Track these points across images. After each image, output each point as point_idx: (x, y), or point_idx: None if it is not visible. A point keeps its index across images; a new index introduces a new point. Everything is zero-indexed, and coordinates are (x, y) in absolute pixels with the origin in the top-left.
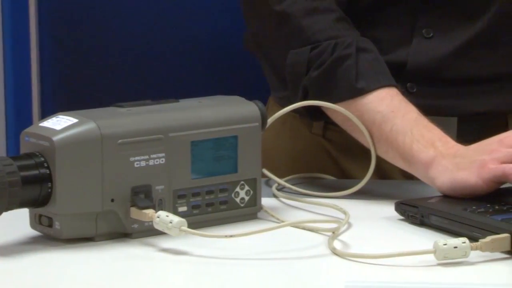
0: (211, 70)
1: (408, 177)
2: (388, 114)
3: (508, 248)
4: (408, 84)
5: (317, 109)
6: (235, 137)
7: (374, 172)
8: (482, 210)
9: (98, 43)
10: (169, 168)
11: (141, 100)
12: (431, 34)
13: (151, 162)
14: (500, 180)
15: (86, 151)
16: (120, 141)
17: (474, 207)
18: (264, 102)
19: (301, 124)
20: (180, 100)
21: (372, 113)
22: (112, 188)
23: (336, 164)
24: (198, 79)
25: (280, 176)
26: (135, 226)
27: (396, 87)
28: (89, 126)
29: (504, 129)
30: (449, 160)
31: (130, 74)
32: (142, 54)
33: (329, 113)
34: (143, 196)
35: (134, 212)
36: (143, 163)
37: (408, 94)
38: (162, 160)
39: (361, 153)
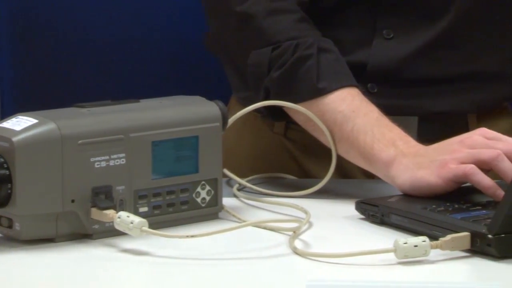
0: (172, 70)
1: (369, 176)
2: (349, 114)
3: (468, 247)
4: (369, 85)
5: (279, 109)
6: (196, 137)
7: (335, 171)
8: (442, 208)
9: (57, 43)
10: (129, 169)
11: (102, 100)
12: (392, 35)
13: (111, 163)
14: (460, 180)
15: (46, 151)
16: (80, 141)
17: (434, 206)
18: (226, 102)
19: (262, 123)
20: (141, 100)
21: (333, 113)
22: (72, 189)
23: (298, 163)
24: (159, 79)
25: (242, 175)
26: (96, 226)
27: (357, 87)
28: (49, 126)
29: (465, 128)
30: (409, 159)
31: (90, 74)
32: (103, 54)
33: (290, 113)
34: (103, 196)
35: (95, 213)
36: (103, 164)
37: (369, 94)
38: (122, 161)
39: (322, 152)
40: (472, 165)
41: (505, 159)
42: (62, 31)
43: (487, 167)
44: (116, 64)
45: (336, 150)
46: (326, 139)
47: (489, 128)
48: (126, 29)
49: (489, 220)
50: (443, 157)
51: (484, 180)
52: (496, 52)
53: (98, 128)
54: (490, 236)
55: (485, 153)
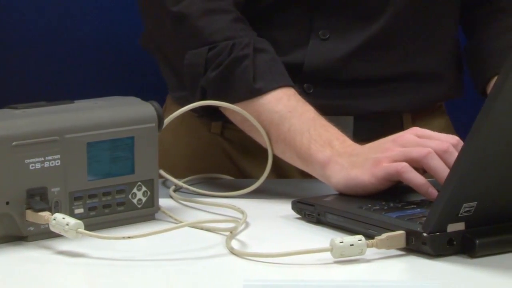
0: (107, 70)
1: (306, 175)
2: (285, 114)
3: (403, 245)
4: (305, 85)
5: (216, 109)
6: (132, 138)
7: (271, 171)
8: (378, 207)
9: None
10: (65, 170)
11: (36, 101)
12: (328, 36)
13: (46, 164)
14: (393, 178)
15: None
16: (14, 143)
17: (369, 205)
18: (162, 102)
19: (199, 123)
20: (75, 101)
21: (269, 113)
22: (6, 191)
23: (234, 163)
24: (94, 80)
25: (178, 176)
26: (31, 229)
27: (293, 87)
28: None
29: (400, 127)
30: (344, 159)
31: (24, 75)
32: (36, 55)
33: (227, 113)
34: (38, 198)
35: (30, 215)
36: (38, 165)
37: (305, 94)
38: (57, 162)
39: (259, 152)
40: (405, 163)
41: (436, 157)
42: None
43: (418, 165)
44: (50, 64)
45: (273, 150)
46: (262, 139)
47: (424, 127)
48: (60, 29)
49: (424, 219)
50: (376, 155)
51: (416, 178)
52: (432, 53)
53: (32, 130)
54: (425, 234)
55: (416, 151)
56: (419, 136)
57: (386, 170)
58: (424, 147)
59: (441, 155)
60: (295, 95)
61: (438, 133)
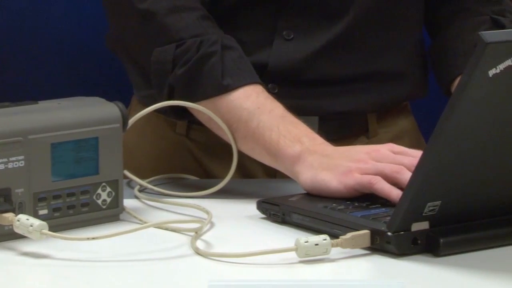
0: (70, 70)
1: (271, 175)
2: (254, 111)
3: (368, 244)
4: (270, 85)
5: (182, 108)
6: (96, 139)
7: (236, 171)
8: (342, 207)
9: None
10: (29, 171)
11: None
12: (292, 36)
13: (10, 165)
14: (363, 189)
15: None
16: None
17: (334, 205)
18: (127, 102)
19: (164, 123)
20: (39, 102)
21: (238, 110)
22: None
23: (199, 164)
24: (57, 80)
25: (143, 176)
26: None
27: (262, 84)
28: None
29: (364, 128)
30: (315, 158)
31: None
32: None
33: (194, 112)
34: (2, 199)
35: None
36: (2, 166)
37: (270, 94)
38: (21, 163)
39: (224, 152)
40: (377, 176)
41: (407, 173)
42: None
43: (389, 180)
44: (13, 65)
45: (240, 147)
46: (228, 137)
47: (389, 127)
48: (23, 29)
49: (388, 218)
50: (348, 164)
51: (388, 188)
52: (396, 52)
53: None
54: (389, 233)
55: (388, 167)
56: (394, 152)
57: (357, 181)
58: (397, 164)
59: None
60: (263, 92)
61: (412, 150)
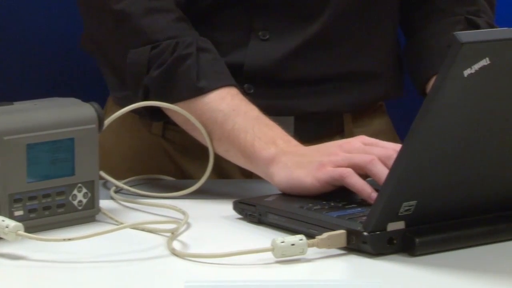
0: (46, 71)
1: (247, 176)
2: (229, 113)
3: (344, 244)
4: (246, 85)
5: (157, 109)
6: (72, 140)
7: (213, 172)
8: (318, 207)
9: None
10: (4, 172)
11: None
12: (267, 36)
13: None
14: (335, 182)
15: None
16: None
17: (310, 205)
18: (103, 103)
19: (140, 124)
20: (15, 103)
21: (213, 112)
22: None
23: (175, 164)
24: (33, 81)
25: (119, 177)
26: None
27: (236, 86)
28: None
29: (340, 128)
30: (289, 158)
31: None
32: None
33: (169, 114)
34: None
35: None
36: None
37: (246, 95)
38: None
39: (200, 153)
40: (349, 169)
41: (379, 163)
42: None
43: (361, 171)
44: None
45: (216, 149)
46: (204, 138)
47: (364, 127)
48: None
49: (364, 218)
50: (320, 158)
51: (358, 182)
52: (371, 52)
53: None
54: (365, 233)
55: (359, 158)
56: (365, 144)
57: (329, 174)
58: (368, 154)
59: (385, 161)
60: (238, 94)
61: (383, 141)
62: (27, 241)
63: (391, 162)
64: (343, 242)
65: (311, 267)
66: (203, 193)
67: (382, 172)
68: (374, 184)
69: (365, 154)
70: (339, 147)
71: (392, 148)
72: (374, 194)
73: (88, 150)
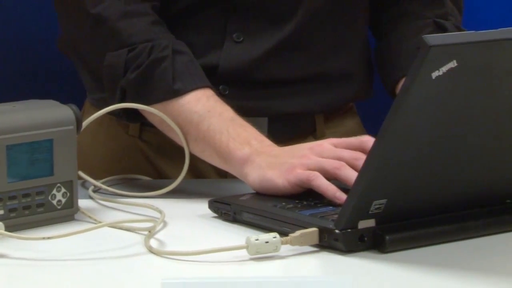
0: (24, 74)
1: (222, 175)
2: (204, 114)
3: (316, 242)
4: (221, 87)
5: (134, 111)
6: (50, 141)
7: (189, 172)
8: (291, 206)
9: None
10: None
11: None
12: (241, 38)
13: None
14: (303, 184)
15: None
16: None
17: (284, 203)
18: (80, 105)
19: (117, 125)
20: None
21: (189, 113)
22: None
23: (152, 164)
24: (11, 83)
25: (97, 177)
26: None
27: (211, 88)
28: None
29: (312, 128)
30: (263, 158)
31: None
32: None
33: (146, 115)
34: None
35: None
36: None
37: (221, 96)
38: None
39: (176, 153)
40: (315, 172)
41: (347, 168)
42: None
43: (330, 176)
44: None
45: (192, 149)
46: (180, 139)
47: (335, 127)
48: None
49: (336, 216)
50: (292, 160)
51: (323, 185)
52: (343, 54)
53: None
54: (336, 231)
55: (328, 163)
56: (335, 145)
57: (298, 177)
58: (337, 160)
59: (353, 163)
60: (213, 96)
61: (354, 140)
62: (7, 240)
63: (360, 163)
64: (315, 239)
65: (285, 264)
66: (179, 193)
67: (350, 176)
68: (342, 184)
69: (334, 160)
70: (310, 149)
71: (360, 147)
72: (338, 194)
73: (67, 150)
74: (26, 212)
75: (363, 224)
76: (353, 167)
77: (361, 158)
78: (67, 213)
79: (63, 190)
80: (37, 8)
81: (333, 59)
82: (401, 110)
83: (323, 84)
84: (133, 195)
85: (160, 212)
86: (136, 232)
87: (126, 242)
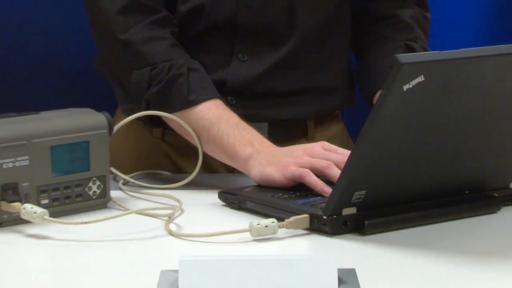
0: (67, 87)
1: (230, 171)
2: (214, 120)
3: (307, 226)
4: (229, 98)
5: (157, 117)
6: (87, 142)
7: (202, 167)
8: (287, 196)
9: None
10: (32, 168)
11: (6, 113)
12: (246, 58)
13: (17, 164)
14: (296, 179)
15: None
16: None
17: (280, 194)
18: (113, 112)
19: (144, 129)
20: (41, 112)
21: (201, 120)
22: None
23: (172, 162)
24: (56, 95)
25: (127, 172)
26: (5, 216)
27: (220, 99)
28: None
29: (305, 132)
30: (263, 157)
31: None
32: (7, 70)
33: (167, 121)
34: (11, 192)
35: (4, 205)
36: (10, 165)
37: (228, 105)
38: (26, 162)
39: (192, 152)
40: (307, 170)
41: (334, 168)
42: None
43: (320, 174)
44: (20, 81)
45: (204, 149)
46: (195, 141)
47: (324, 131)
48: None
49: (323, 205)
50: (287, 159)
51: (313, 180)
52: (329, 71)
53: (5, 136)
54: (324, 217)
55: (318, 163)
56: (325, 149)
57: (292, 173)
58: (326, 160)
59: (339, 165)
60: (222, 105)
61: (340, 148)
62: (51, 224)
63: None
64: (306, 224)
65: (281, 245)
66: (194, 185)
67: (336, 174)
68: (328, 180)
69: (323, 160)
70: (303, 151)
71: (346, 155)
72: (326, 188)
73: (101, 150)
74: (67, 201)
75: (347, 211)
76: (338, 167)
77: (345, 161)
78: (101, 202)
79: (97, 183)
80: (76, 35)
81: (321, 75)
82: (378, 117)
83: (313, 96)
84: (155, 187)
85: (178, 201)
86: (158, 218)
87: (149, 226)
